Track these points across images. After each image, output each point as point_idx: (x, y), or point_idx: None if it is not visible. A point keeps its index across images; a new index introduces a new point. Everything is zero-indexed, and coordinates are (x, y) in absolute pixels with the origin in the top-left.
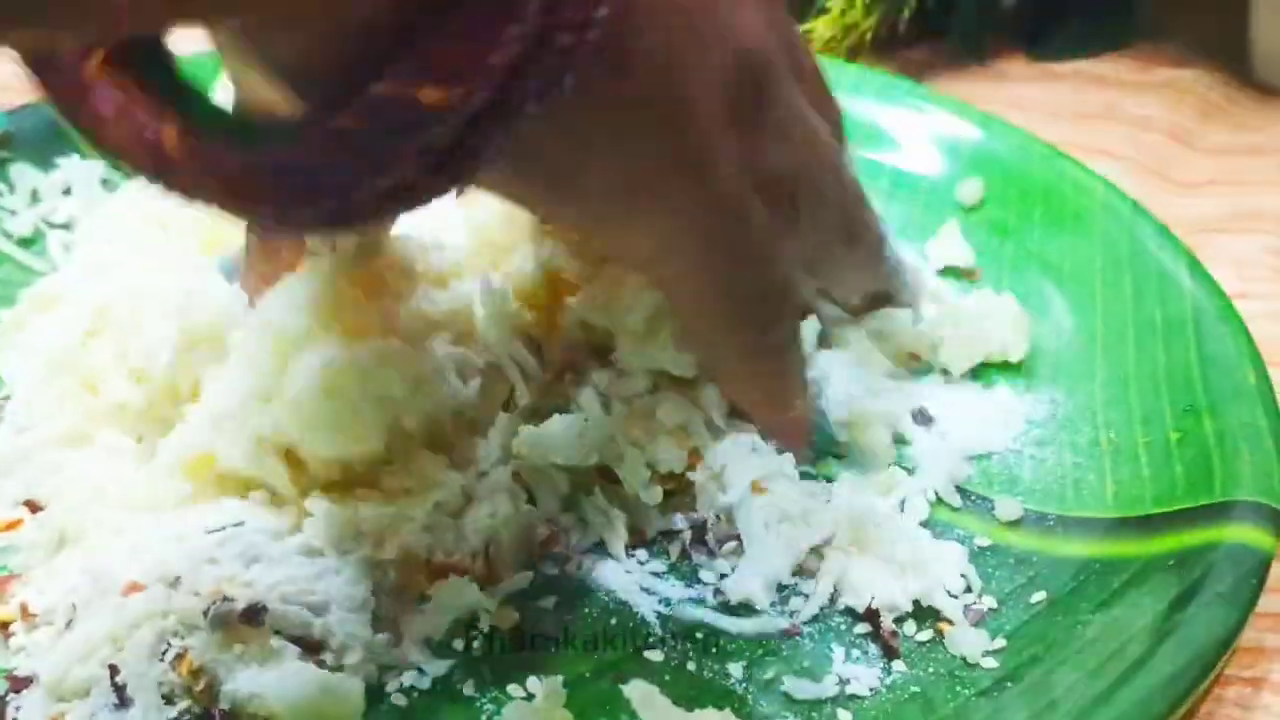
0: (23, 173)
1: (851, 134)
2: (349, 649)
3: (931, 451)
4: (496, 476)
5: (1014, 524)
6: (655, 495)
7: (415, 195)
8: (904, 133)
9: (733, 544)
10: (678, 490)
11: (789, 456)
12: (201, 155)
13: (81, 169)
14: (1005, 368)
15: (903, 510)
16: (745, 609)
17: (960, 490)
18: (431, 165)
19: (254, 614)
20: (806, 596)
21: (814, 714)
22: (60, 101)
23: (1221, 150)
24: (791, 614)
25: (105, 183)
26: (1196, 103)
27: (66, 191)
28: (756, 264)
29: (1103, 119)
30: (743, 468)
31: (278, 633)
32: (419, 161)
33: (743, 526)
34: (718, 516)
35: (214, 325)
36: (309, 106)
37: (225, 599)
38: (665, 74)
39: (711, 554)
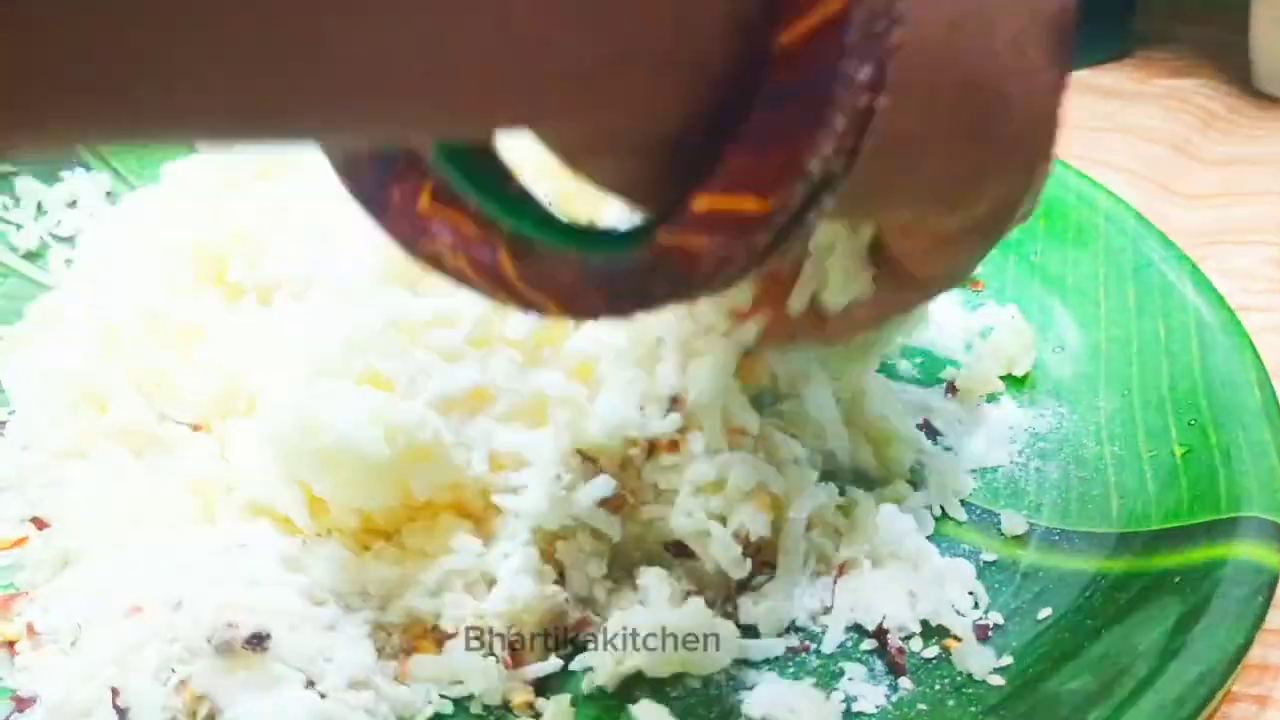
0: (28, 186)
1: None
2: (356, 687)
3: (937, 465)
4: (521, 556)
5: (1020, 539)
6: (743, 568)
7: (745, 275)
8: None
9: (764, 577)
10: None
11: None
12: (536, 273)
13: (86, 182)
14: (1009, 381)
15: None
16: (753, 628)
17: (965, 504)
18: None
19: (258, 641)
20: (818, 615)
21: None
22: (398, 237)
23: (1223, 161)
24: (802, 631)
25: (110, 195)
26: (1197, 112)
27: (72, 204)
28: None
29: (1103, 130)
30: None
31: (281, 661)
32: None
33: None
34: (759, 547)
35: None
36: (641, 215)
37: (229, 624)
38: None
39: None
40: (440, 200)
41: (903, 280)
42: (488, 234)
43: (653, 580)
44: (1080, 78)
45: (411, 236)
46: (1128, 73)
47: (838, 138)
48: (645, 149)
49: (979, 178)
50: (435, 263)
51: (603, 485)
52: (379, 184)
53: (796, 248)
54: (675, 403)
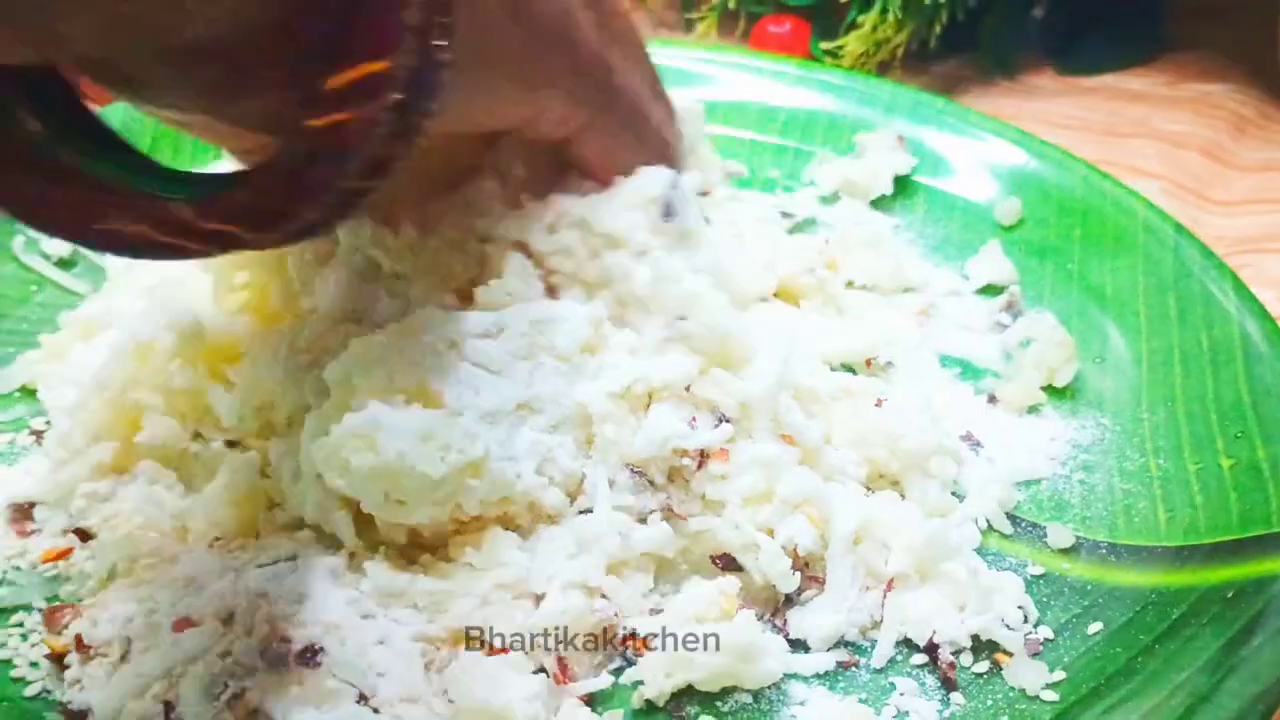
0: None
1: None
2: (408, 702)
3: (981, 478)
4: (570, 570)
5: (1067, 552)
6: (793, 582)
7: (386, 168)
8: (941, 151)
9: (814, 591)
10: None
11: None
12: (214, 211)
13: None
14: (1051, 391)
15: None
16: (803, 642)
17: (1010, 517)
18: (396, 134)
19: (310, 655)
20: (867, 630)
21: None
22: (66, 233)
23: (1257, 167)
24: (851, 645)
25: None
26: (1229, 117)
27: None
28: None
29: (1135, 136)
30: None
31: (334, 675)
32: (385, 139)
33: (830, 569)
34: (806, 564)
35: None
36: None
37: (282, 639)
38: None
39: (792, 602)
40: (96, 186)
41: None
42: (151, 200)
43: (703, 592)
44: (1108, 82)
45: (85, 222)
46: (1156, 77)
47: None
48: (272, 73)
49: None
50: (115, 240)
51: (661, 530)
52: (36, 186)
53: (434, 112)
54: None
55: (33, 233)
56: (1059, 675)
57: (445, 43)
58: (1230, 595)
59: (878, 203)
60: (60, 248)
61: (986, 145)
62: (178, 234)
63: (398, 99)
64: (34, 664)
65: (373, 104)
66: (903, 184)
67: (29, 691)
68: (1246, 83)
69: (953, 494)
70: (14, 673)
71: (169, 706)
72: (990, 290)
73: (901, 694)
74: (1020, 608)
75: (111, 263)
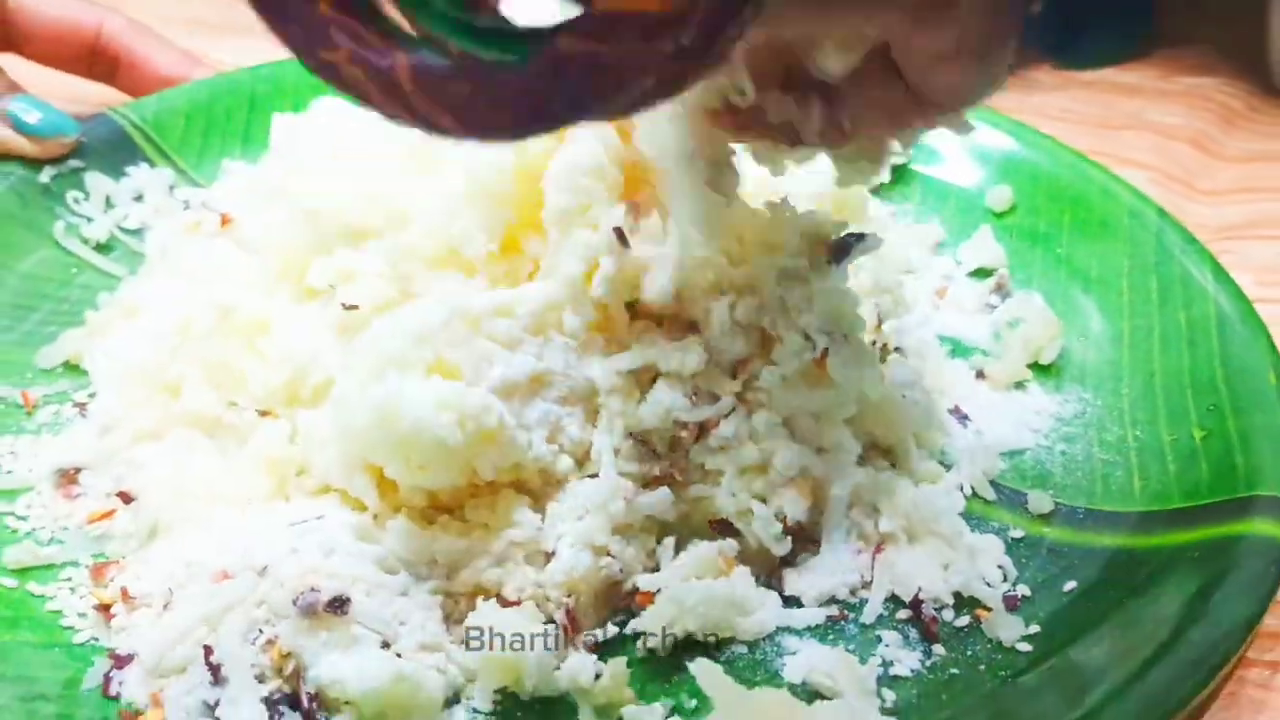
0: (96, 180)
1: None
2: (428, 649)
3: (967, 448)
4: (578, 530)
5: (1046, 517)
6: (784, 546)
7: (667, 89)
8: (935, 141)
9: (808, 554)
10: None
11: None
12: (431, 85)
13: (151, 176)
14: (1036, 368)
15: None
16: (797, 599)
17: (994, 484)
18: (683, 59)
19: (339, 604)
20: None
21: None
22: (296, 47)
23: (1244, 158)
24: (842, 603)
25: (172, 190)
26: (1219, 110)
27: (138, 198)
28: None
29: (1128, 128)
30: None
31: (360, 624)
32: (667, 65)
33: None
34: (800, 525)
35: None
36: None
37: (312, 589)
38: None
39: (788, 563)
40: (341, 6)
41: (913, 94)
42: (388, 44)
43: (702, 552)
44: (1102, 76)
45: (309, 44)
46: (1150, 71)
47: None
48: None
49: None
50: (332, 74)
51: (661, 494)
52: None
53: (722, 64)
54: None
55: (72, 218)
56: (1034, 629)
57: None
58: (1197, 555)
59: (875, 191)
60: (98, 232)
61: (980, 136)
62: (386, 94)
63: (673, 51)
64: (82, 614)
65: (641, 47)
66: (900, 172)
67: (78, 639)
68: (1237, 77)
69: (941, 463)
70: (63, 621)
71: (208, 651)
72: (981, 273)
73: (886, 645)
74: (1000, 567)
75: (150, 247)
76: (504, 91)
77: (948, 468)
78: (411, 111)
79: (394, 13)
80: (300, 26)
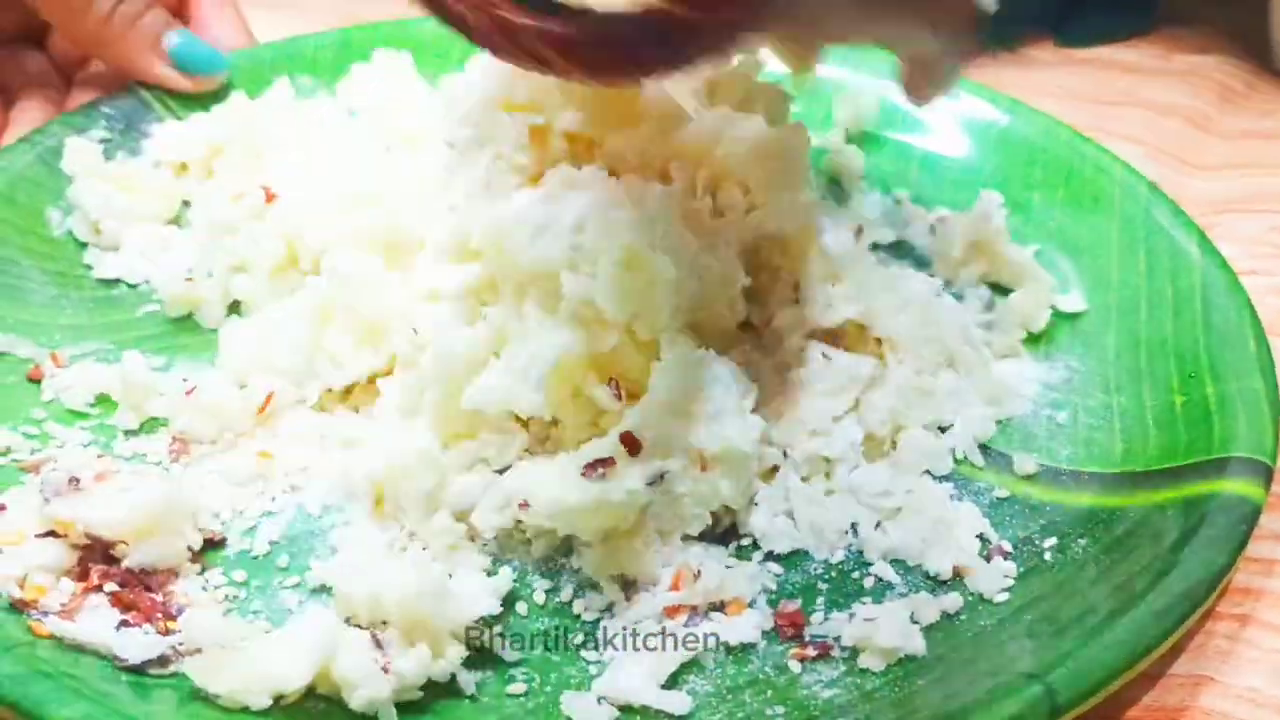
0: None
1: (882, 118)
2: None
3: (961, 415)
4: None
5: (1030, 477)
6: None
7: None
8: (933, 116)
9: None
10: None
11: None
12: (542, 28)
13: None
14: (1027, 337)
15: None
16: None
17: (983, 448)
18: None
19: None
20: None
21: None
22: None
23: (1238, 135)
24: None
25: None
26: (1216, 88)
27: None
28: None
29: (1124, 104)
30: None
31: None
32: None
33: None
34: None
35: None
36: None
37: None
38: None
39: None
40: None
41: None
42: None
43: None
44: (1103, 54)
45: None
46: (1149, 50)
47: None
48: None
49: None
50: (460, 23)
51: None
52: None
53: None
54: None
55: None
56: (1013, 581)
57: None
58: (1171, 512)
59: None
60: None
61: (977, 111)
62: (506, 38)
63: None
64: None
65: None
66: (897, 147)
67: None
68: (1237, 55)
69: (940, 428)
70: None
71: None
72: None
73: (871, 599)
74: (981, 534)
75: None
76: (603, 41)
77: (943, 430)
78: (527, 53)
79: None
80: None
